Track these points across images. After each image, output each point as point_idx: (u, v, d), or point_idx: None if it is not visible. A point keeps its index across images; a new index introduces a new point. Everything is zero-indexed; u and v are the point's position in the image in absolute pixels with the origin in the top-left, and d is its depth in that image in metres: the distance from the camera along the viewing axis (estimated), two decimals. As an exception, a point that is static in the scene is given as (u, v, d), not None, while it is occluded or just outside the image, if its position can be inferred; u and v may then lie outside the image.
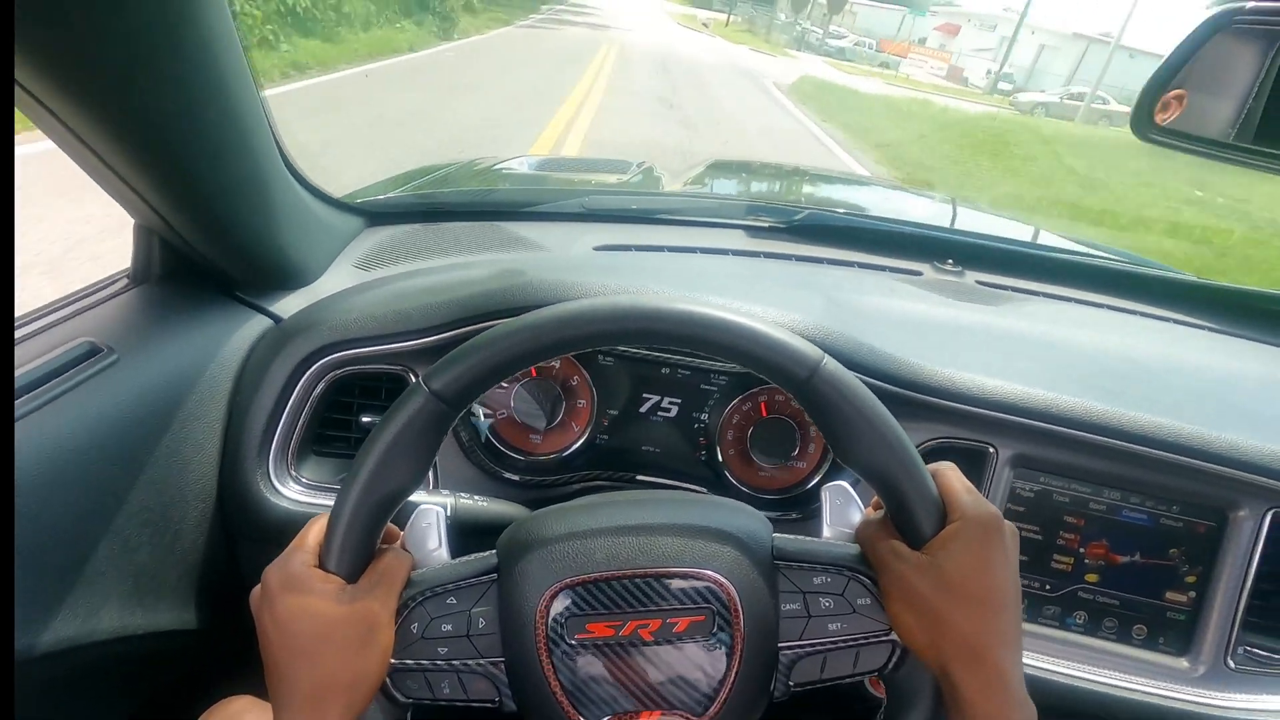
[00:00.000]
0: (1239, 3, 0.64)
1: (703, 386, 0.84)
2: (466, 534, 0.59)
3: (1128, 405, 0.76)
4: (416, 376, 0.79)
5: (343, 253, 0.98)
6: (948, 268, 1.11)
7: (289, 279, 0.87)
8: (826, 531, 0.57)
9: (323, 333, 0.78)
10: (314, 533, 0.51)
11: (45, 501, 0.59)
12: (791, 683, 0.52)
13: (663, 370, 0.83)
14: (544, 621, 0.49)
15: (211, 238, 0.75)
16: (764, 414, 0.83)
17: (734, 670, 0.50)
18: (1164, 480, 0.75)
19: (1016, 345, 0.90)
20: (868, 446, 0.48)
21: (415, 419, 0.48)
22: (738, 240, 1.16)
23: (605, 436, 0.85)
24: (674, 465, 0.85)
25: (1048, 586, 0.78)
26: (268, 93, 0.71)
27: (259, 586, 0.50)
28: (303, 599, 0.47)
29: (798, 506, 0.82)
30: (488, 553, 0.54)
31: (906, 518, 0.49)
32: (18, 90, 0.53)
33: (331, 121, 6.27)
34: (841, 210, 1.52)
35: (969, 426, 0.76)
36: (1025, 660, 0.74)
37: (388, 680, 0.50)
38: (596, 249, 1.06)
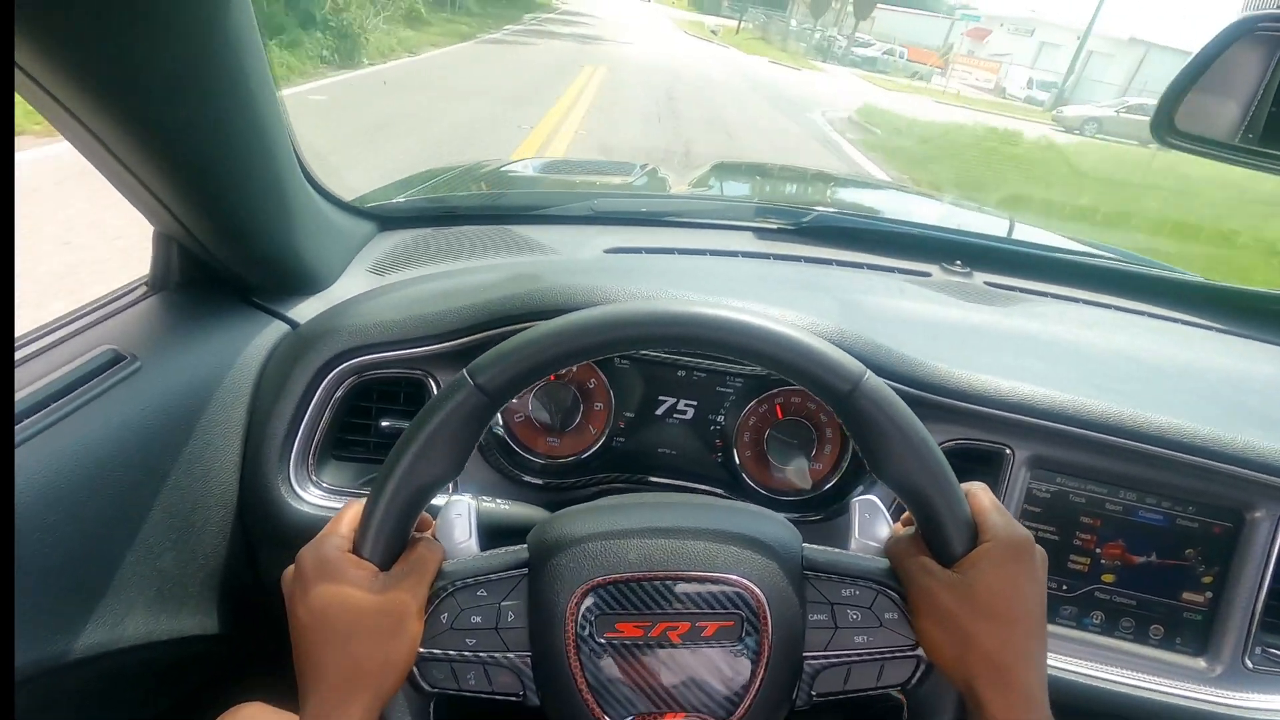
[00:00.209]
0: (1268, 10, 0.65)
1: (719, 389, 0.84)
2: (489, 536, 0.60)
3: (1143, 406, 0.76)
4: (436, 380, 0.80)
5: (356, 257, 0.98)
6: (956, 269, 1.12)
7: (305, 284, 0.88)
8: (854, 544, 0.57)
9: (342, 338, 0.78)
10: (349, 518, 0.52)
11: (73, 511, 0.60)
12: (814, 693, 0.52)
13: (679, 373, 0.84)
14: (574, 619, 0.50)
15: (231, 244, 0.75)
16: (780, 416, 0.83)
17: (759, 677, 0.50)
18: (1180, 481, 0.75)
19: (1027, 346, 0.90)
20: (904, 463, 0.49)
21: (458, 410, 0.49)
22: (746, 242, 1.17)
23: (622, 439, 0.85)
24: (690, 468, 0.85)
25: (1064, 587, 0.79)
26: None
27: (291, 568, 0.51)
28: (336, 585, 0.48)
29: (815, 509, 0.82)
30: (519, 546, 0.55)
31: (938, 535, 0.50)
32: (44, 96, 0.53)
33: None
34: (849, 212, 1.52)
35: (985, 428, 0.77)
36: None
37: (414, 669, 0.50)
38: (607, 251, 1.07)
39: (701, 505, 0.62)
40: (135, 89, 0.55)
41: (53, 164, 3.46)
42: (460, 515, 0.57)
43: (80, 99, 0.54)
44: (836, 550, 0.56)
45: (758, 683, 0.50)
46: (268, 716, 0.68)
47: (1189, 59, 0.72)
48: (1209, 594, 0.76)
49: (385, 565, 0.50)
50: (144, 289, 0.79)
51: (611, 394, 0.84)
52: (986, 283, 1.11)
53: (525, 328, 0.51)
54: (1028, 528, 0.77)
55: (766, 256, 1.12)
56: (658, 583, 0.50)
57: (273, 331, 0.82)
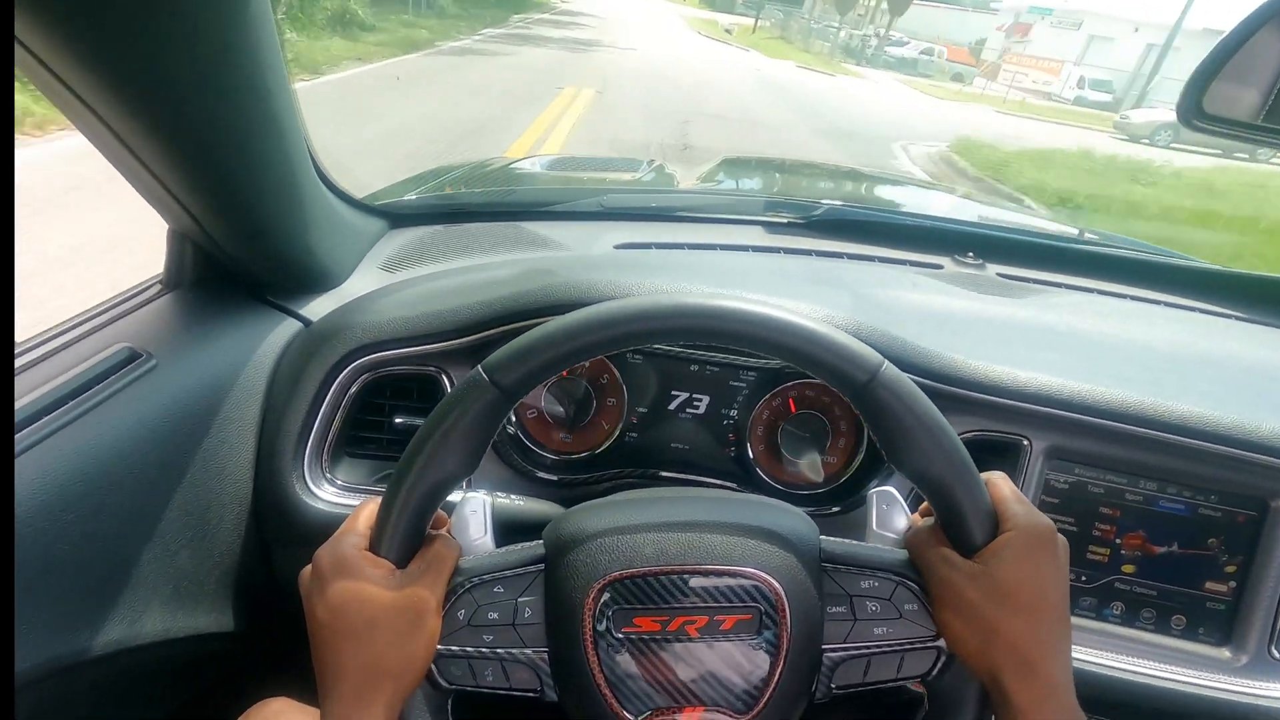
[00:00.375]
0: None
1: (732, 383, 0.83)
2: (504, 532, 0.60)
3: (1163, 395, 0.75)
4: (449, 377, 0.80)
5: (368, 255, 0.99)
6: (969, 260, 1.11)
7: (317, 282, 0.88)
8: (871, 536, 0.57)
9: (355, 335, 0.78)
10: (365, 515, 0.52)
11: (90, 509, 0.60)
12: (834, 685, 0.52)
13: (691, 367, 0.83)
14: (591, 614, 0.50)
15: (245, 242, 0.75)
16: (793, 410, 0.83)
17: (778, 670, 0.50)
18: (1202, 470, 0.74)
19: (1042, 337, 0.89)
20: (923, 453, 0.49)
21: (474, 406, 0.49)
22: (757, 236, 1.16)
23: (635, 434, 0.85)
24: (703, 462, 0.85)
25: (1084, 578, 0.78)
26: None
27: (308, 568, 0.51)
28: (354, 583, 0.48)
29: (832, 502, 0.82)
30: (534, 542, 0.55)
31: (959, 526, 0.49)
32: (63, 90, 0.53)
33: None
34: (859, 204, 1.51)
35: (1003, 419, 0.76)
36: None
37: (432, 666, 0.50)
38: (617, 247, 1.06)
39: (717, 499, 0.62)
40: (152, 85, 0.55)
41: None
42: (475, 512, 0.57)
43: (97, 94, 0.54)
44: (854, 542, 0.56)
45: (777, 676, 0.50)
46: (293, 712, 0.68)
47: (1218, 41, 0.71)
48: (1233, 584, 0.75)
49: (402, 563, 0.50)
50: (158, 287, 0.79)
51: (624, 389, 0.83)
52: (999, 274, 1.10)
53: (538, 323, 0.50)
54: None
55: (777, 250, 1.11)
56: (674, 576, 0.50)
57: (286, 329, 0.83)
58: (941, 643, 0.51)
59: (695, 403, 0.84)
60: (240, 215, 0.72)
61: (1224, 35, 0.71)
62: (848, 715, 0.70)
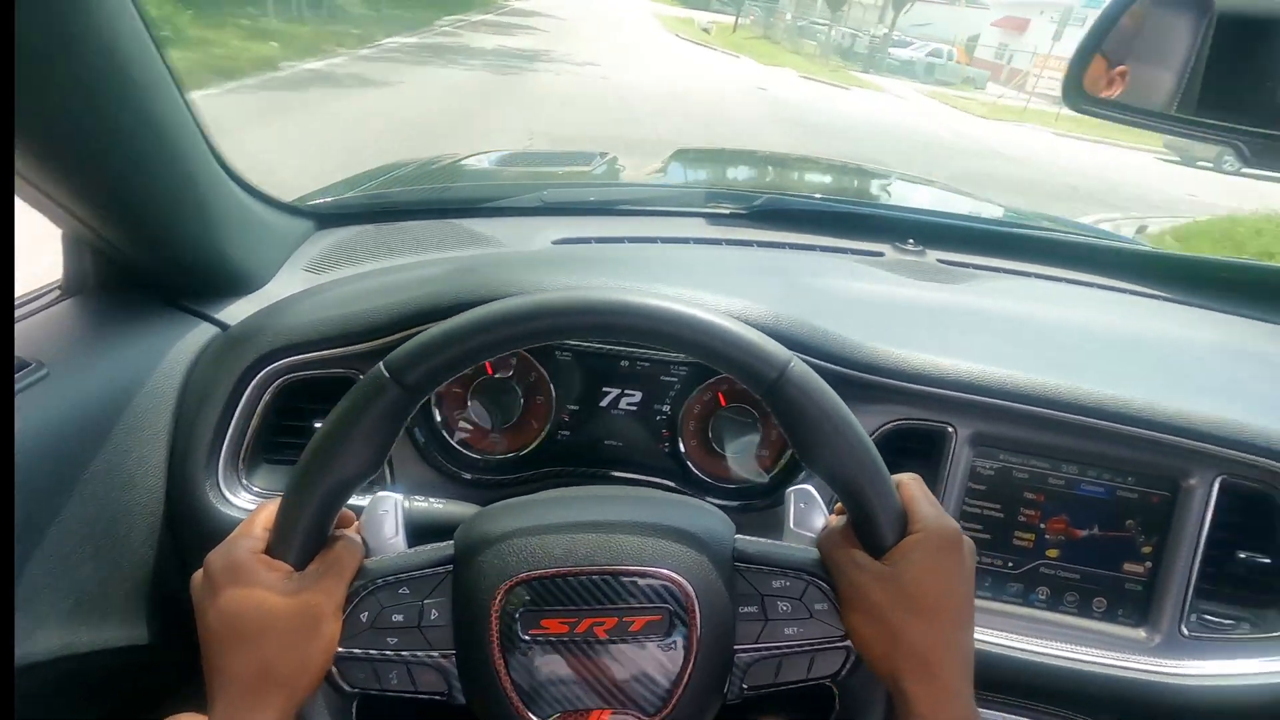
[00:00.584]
0: None
1: (663, 378, 0.83)
2: (419, 536, 0.58)
3: (1083, 378, 0.76)
4: None
5: (292, 256, 0.96)
6: (909, 247, 1.12)
7: (235, 285, 0.85)
8: (788, 534, 0.57)
9: (267, 338, 0.76)
10: (261, 518, 0.51)
11: None
12: (745, 685, 0.52)
13: (622, 363, 0.82)
14: (498, 616, 0.49)
15: (144, 246, 0.73)
16: (723, 403, 0.82)
17: (688, 671, 0.49)
18: (1118, 452, 0.75)
19: (977, 322, 0.90)
20: (832, 452, 0.48)
21: (375, 404, 0.47)
22: (698, 228, 1.16)
23: (566, 432, 0.84)
24: (637, 458, 0.84)
25: (1010, 564, 0.79)
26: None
27: (199, 572, 0.49)
28: (246, 589, 0.47)
29: (764, 496, 0.82)
30: (444, 543, 0.54)
31: (868, 526, 0.50)
32: None
33: None
34: (802, 193, 1.51)
35: (927, 407, 0.76)
36: (989, 638, 0.75)
37: (334, 669, 0.49)
38: (555, 243, 1.05)
39: (633, 498, 0.61)
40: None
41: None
42: (386, 512, 0.57)
43: None
44: (768, 541, 0.55)
45: (687, 676, 0.49)
46: None
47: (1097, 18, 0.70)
48: (1148, 564, 0.77)
49: (300, 565, 0.49)
50: (57, 293, 0.76)
51: (553, 387, 0.82)
52: (939, 260, 1.11)
53: None
54: (973, 506, 0.78)
55: (718, 242, 1.11)
56: (584, 578, 0.50)
57: (200, 334, 0.80)
58: (849, 643, 0.51)
59: (627, 399, 0.83)
60: (133, 220, 0.69)
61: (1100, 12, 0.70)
62: (761, 715, 0.71)
